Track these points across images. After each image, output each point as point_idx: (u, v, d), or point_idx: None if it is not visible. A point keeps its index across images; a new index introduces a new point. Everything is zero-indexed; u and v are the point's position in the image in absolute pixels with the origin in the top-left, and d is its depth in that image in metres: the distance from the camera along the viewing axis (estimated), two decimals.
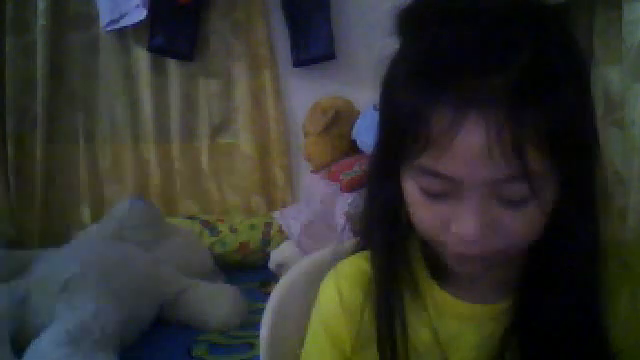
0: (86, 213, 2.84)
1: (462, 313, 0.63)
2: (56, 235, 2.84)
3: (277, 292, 0.78)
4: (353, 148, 2.36)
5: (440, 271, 0.64)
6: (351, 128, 2.34)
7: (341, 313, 0.66)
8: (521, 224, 0.53)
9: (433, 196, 0.54)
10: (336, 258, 0.70)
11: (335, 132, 2.40)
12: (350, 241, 0.72)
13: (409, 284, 0.64)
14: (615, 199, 1.33)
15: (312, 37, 2.56)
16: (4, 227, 2.71)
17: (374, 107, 2.00)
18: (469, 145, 0.49)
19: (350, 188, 2.13)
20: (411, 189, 0.56)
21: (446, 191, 0.53)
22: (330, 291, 0.68)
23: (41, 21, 2.64)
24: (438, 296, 0.64)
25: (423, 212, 0.55)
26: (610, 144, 1.35)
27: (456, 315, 0.63)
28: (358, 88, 2.36)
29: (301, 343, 0.72)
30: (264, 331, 0.77)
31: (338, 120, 2.39)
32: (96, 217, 2.79)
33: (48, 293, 1.81)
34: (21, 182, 2.82)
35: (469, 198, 0.52)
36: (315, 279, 0.71)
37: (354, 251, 0.70)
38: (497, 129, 0.48)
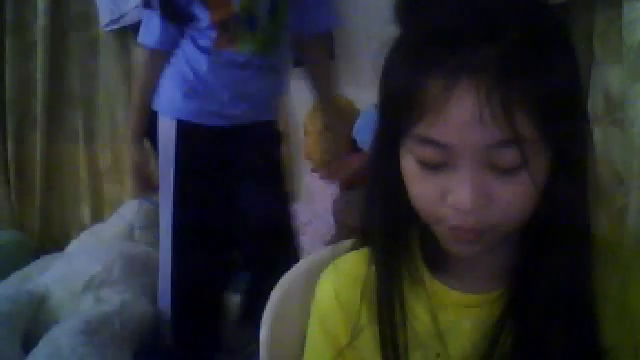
0: (86, 213, 2.84)
1: (454, 301, 0.64)
2: (56, 235, 2.84)
3: (277, 292, 0.79)
4: (353, 147, 2.35)
5: (435, 261, 0.65)
6: (351, 127, 2.34)
7: (337, 308, 0.67)
8: (514, 194, 0.54)
9: (429, 168, 0.55)
10: (335, 257, 0.71)
11: None
12: (349, 240, 0.73)
13: (409, 267, 0.65)
14: (615, 199, 1.33)
15: None
16: None
17: (374, 107, 2.00)
18: (460, 110, 0.51)
19: (350, 187, 2.13)
20: (408, 164, 0.57)
21: (441, 161, 0.54)
22: (327, 287, 0.69)
23: (41, 21, 2.64)
24: (432, 284, 0.65)
25: (420, 186, 0.56)
26: (610, 144, 1.35)
27: (449, 304, 0.64)
28: (358, 88, 2.35)
29: (301, 343, 0.72)
30: (264, 331, 0.77)
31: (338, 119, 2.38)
32: (96, 217, 2.79)
33: (71, 290, 1.81)
34: (21, 182, 2.82)
35: (463, 167, 0.53)
36: (315, 279, 0.71)
37: (353, 249, 0.70)
38: (487, 93, 0.50)
